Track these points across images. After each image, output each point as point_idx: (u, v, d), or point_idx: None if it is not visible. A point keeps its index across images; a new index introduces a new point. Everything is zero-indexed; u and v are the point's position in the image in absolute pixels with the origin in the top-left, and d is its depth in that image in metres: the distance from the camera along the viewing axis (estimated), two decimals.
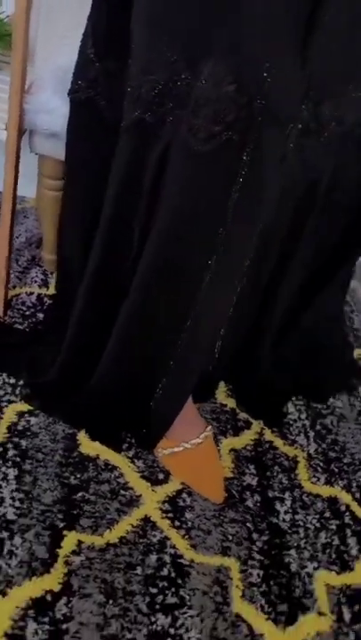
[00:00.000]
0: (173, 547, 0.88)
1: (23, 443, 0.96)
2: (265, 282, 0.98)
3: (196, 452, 0.98)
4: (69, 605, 0.78)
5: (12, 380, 1.06)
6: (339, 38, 0.73)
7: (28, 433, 0.98)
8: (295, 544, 0.93)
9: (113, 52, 0.82)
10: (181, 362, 0.90)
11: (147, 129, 0.78)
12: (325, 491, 1.02)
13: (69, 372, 1.02)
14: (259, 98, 0.70)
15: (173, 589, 0.83)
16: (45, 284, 1.30)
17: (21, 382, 1.05)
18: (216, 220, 0.78)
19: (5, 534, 0.83)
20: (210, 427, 1.03)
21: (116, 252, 0.89)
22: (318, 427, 1.15)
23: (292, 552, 0.92)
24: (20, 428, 0.98)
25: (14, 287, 1.26)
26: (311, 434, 1.13)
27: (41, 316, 1.22)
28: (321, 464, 1.07)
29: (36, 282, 1.30)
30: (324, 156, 0.85)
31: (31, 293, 1.26)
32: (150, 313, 0.87)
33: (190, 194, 0.78)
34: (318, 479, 1.04)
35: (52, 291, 1.28)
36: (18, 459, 0.93)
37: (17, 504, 0.87)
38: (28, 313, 1.21)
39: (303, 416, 1.17)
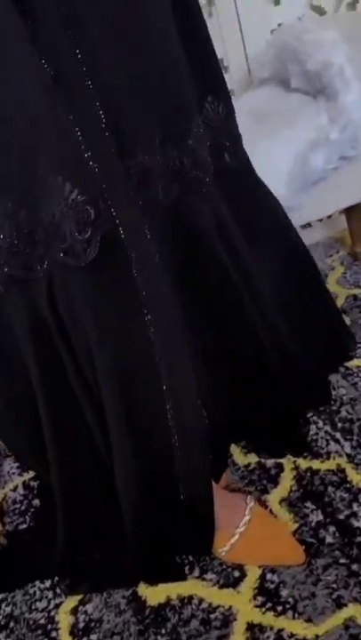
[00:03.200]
0: (292, 635, 0.80)
1: (94, 638, 0.88)
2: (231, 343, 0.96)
3: (252, 529, 0.92)
4: None
5: (48, 583, 0.98)
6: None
7: (92, 624, 0.90)
8: None
9: None
10: (183, 456, 0.86)
11: (22, 283, 0.76)
12: None
13: (72, 528, 0.96)
14: (105, 191, 0.70)
15: None
16: (24, 469, 1.24)
17: (57, 579, 0.98)
18: (141, 327, 0.76)
19: None
20: (249, 496, 0.97)
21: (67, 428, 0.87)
22: (339, 424, 1.11)
23: None
24: (81, 625, 0.90)
25: None
26: (338, 435, 1.09)
27: (37, 502, 1.15)
28: None
29: (13, 473, 1.23)
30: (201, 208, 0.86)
31: (15, 487, 1.20)
32: (135, 438, 0.83)
33: (102, 316, 0.75)
34: None
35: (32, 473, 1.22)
36: None
37: None
38: (23, 507, 1.14)
39: (321, 424, 1.13)
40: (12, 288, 0.77)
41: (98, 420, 0.83)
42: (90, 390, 0.81)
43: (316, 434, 1.11)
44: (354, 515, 0.94)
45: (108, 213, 0.71)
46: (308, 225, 1.75)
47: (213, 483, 0.94)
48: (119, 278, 0.74)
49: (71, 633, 0.89)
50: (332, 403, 1.16)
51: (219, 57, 1.51)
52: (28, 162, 0.67)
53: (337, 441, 1.08)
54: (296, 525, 0.95)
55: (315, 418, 1.14)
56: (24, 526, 1.10)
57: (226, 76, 1.53)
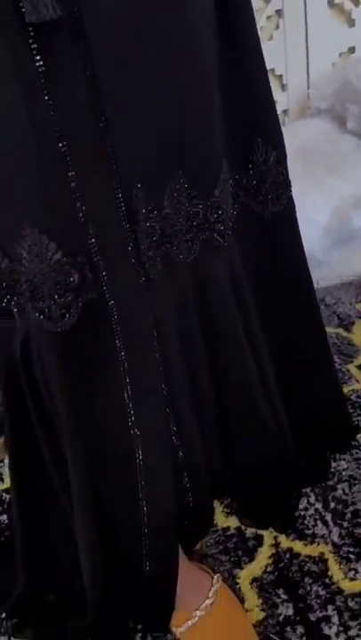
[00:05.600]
0: None
1: None
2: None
3: (212, 615, 0.85)
4: None
5: None
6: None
7: None
8: None
9: None
10: (151, 514, 0.79)
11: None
12: None
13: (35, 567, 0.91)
14: (93, 249, 0.63)
15: None
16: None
17: (3, 616, 0.93)
18: (118, 409, 0.70)
19: None
20: (217, 575, 0.90)
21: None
22: (332, 504, 1.03)
23: None
24: None
25: None
26: (328, 516, 1.01)
27: (5, 517, 1.11)
28: (351, 549, 0.95)
29: None
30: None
31: None
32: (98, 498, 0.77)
33: (75, 391, 0.68)
34: (356, 571, 0.92)
35: (7, 484, 1.18)
36: None
37: None
38: None
39: (312, 499, 1.05)
40: None
41: (65, 490, 0.77)
42: (59, 461, 0.75)
43: (306, 509, 1.03)
44: (327, 619, 0.86)
45: (96, 279, 0.63)
46: None
47: (182, 554, 0.87)
48: (98, 351, 0.66)
49: None
50: (330, 476, 1.08)
51: (279, 73, 1.40)
52: (10, 212, 0.59)
53: (326, 524, 1.00)
54: (263, 615, 0.88)
55: (307, 491, 1.06)
56: None
57: (284, 95, 1.43)
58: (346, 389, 1.24)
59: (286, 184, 0.83)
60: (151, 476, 0.73)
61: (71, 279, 0.62)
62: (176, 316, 0.77)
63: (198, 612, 0.85)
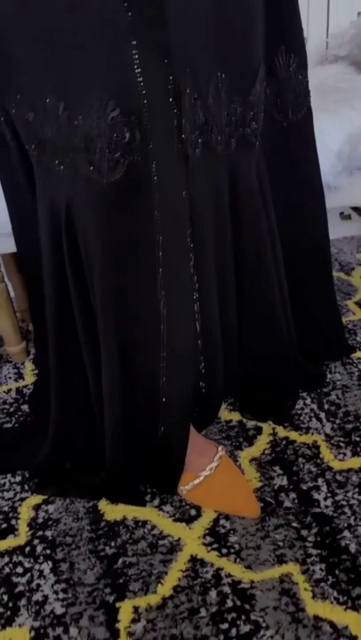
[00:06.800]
0: (229, 575, 0.85)
1: (48, 534, 0.93)
2: (231, 293, 0.98)
3: (217, 475, 0.96)
4: None
5: (19, 478, 1.04)
6: (191, 30, 0.74)
7: (50, 522, 0.95)
8: (345, 524, 0.90)
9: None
10: (170, 382, 0.89)
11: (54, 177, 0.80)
12: (355, 463, 1.01)
13: (61, 439, 1.02)
14: (145, 112, 0.72)
15: (244, 617, 0.79)
16: (20, 376, 1.30)
17: (27, 476, 1.03)
18: (149, 256, 0.80)
19: (60, 630, 0.80)
20: (221, 447, 1.01)
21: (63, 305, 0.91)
22: (326, 405, 1.14)
23: (346, 533, 0.89)
24: (40, 520, 0.96)
25: None
26: (322, 415, 1.12)
27: (26, 407, 1.21)
28: (341, 439, 1.06)
29: (10, 378, 1.29)
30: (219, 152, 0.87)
31: (9, 390, 1.25)
32: (127, 339, 0.87)
33: (112, 234, 0.78)
34: (344, 455, 1.03)
35: (28, 381, 1.28)
36: (48, 551, 0.90)
37: (61, 595, 0.84)
38: (12, 409, 1.20)
39: (308, 401, 1.15)
40: (49, 172, 0.81)
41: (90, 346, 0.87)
42: (88, 319, 0.85)
43: (302, 409, 1.14)
44: (317, 488, 0.97)
45: (143, 141, 0.73)
46: (349, 217, 1.75)
47: (192, 427, 0.98)
48: (137, 211, 0.76)
49: (29, 525, 0.95)
50: (325, 385, 1.19)
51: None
52: (80, 71, 0.70)
53: (320, 420, 1.11)
54: (260, 484, 0.99)
55: (304, 394, 1.17)
56: (9, 426, 1.16)
57: None
58: (344, 320, 1.35)
59: (306, 93, 0.94)
60: (173, 333, 0.84)
61: (123, 137, 0.72)
62: (212, 206, 0.86)
63: (204, 473, 0.96)
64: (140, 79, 0.71)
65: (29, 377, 1.29)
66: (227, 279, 0.94)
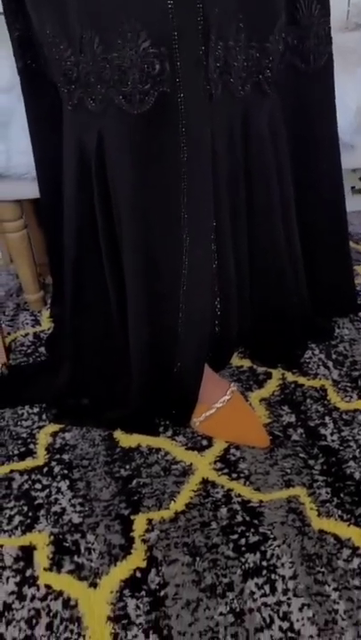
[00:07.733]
0: (239, 495, 0.89)
1: (65, 457, 0.97)
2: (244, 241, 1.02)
3: (228, 407, 1.00)
4: (160, 574, 0.78)
5: (37, 409, 1.08)
6: None
7: (67, 447, 0.99)
8: (351, 456, 0.94)
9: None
10: (188, 319, 0.93)
11: (83, 109, 0.84)
12: None
13: (78, 365, 1.06)
14: (174, 45, 0.75)
15: (253, 530, 0.83)
16: (37, 322, 1.34)
17: (45, 406, 1.08)
18: (174, 190, 0.83)
19: (77, 536, 0.84)
20: (233, 383, 1.05)
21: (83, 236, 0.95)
22: (334, 355, 1.18)
23: (351, 463, 0.93)
24: (57, 445, 1.00)
25: (9, 334, 1.30)
26: (330, 363, 1.16)
27: (42, 349, 1.25)
28: (348, 384, 1.10)
29: (27, 324, 1.33)
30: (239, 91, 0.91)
31: (26, 334, 1.30)
32: (150, 266, 0.90)
33: (142, 161, 0.82)
34: (351, 397, 1.07)
35: (45, 326, 1.32)
36: (65, 471, 0.95)
37: (78, 508, 0.88)
38: (29, 351, 1.24)
39: (316, 352, 1.19)
40: (80, 108, 0.85)
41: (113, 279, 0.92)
42: (112, 249, 0.90)
43: (310, 358, 1.18)
44: (323, 424, 1.01)
45: (173, 73, 0.76)
46: (360, 192, 1.79)
47: (206, 365, 1.02)
48: (165, 136, 0.80)
49: (47, 449, 0.99)
50: (333, 338, 1.23)
51: None
52: (112, 3, 0.73)
53: (327, 367, 1.15)
54: (269, 420, 1.03)
55: (313, 345, 1.21)
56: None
57: None
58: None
59: (328, 40, 0.98)
60: (194, 261, 0.88)
61: (153, 68, 0.76)
62: (227, 149, 0.91)
63: (216, 405, 1.00)
64: (171, 8, 0.74)
65: (46, 323, 1.33)
66: (239, 228, 0.98)
